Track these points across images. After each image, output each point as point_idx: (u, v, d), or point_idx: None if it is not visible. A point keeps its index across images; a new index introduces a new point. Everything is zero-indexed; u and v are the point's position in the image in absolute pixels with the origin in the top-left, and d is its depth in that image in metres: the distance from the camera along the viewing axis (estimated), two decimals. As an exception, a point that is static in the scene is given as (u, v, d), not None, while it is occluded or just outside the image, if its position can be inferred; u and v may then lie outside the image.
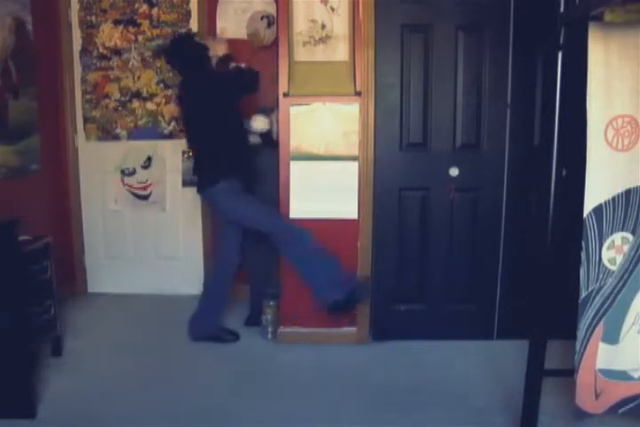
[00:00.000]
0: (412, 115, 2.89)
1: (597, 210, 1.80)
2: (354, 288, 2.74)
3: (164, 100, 3.69)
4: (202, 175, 2.90)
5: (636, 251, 1.83)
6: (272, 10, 3.43)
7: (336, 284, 2.73)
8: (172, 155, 3.71)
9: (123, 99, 3.72)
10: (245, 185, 2.88)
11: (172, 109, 3.66)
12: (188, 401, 2.35)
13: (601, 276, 1.84)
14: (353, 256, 2.93)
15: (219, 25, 3.56)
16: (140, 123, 3.72)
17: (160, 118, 3.70)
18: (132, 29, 3.65)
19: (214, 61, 2.93)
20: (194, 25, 3.61)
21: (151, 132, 3.71)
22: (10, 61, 3.09)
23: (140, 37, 3.65)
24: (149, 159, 3.71)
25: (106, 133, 3.76)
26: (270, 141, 3.00)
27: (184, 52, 2.89)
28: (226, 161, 2.84)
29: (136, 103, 3.71)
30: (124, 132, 3.75)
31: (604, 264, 1.83)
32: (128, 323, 3.30)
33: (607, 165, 1.80)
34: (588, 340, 1.86)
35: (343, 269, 2.78)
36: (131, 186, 3.79)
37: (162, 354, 2.85)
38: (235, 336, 3.02)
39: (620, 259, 1.84)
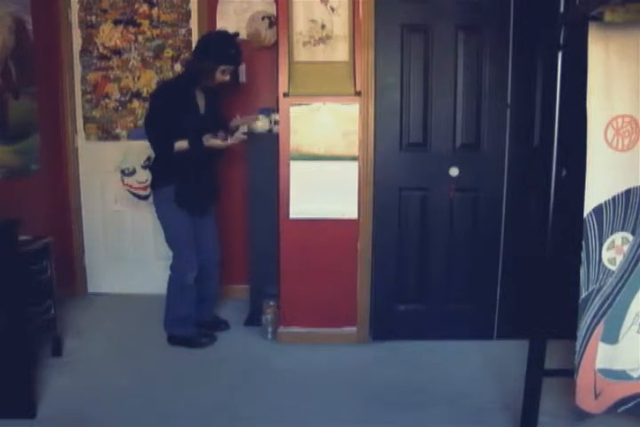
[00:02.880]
0: (411, 115, 2.89)
1: (597, 210, 1.80)
2: (192, 333, 2.97)
3: (164, 100, 3.68)
4: (152, 176, 2.99)
5: (636, 251, 1.83)
6: (272, 10, 3.43)
7: (181, 321, 2.95)
8: (172, 155, 3.70)
9: (123, 99, 3.72)
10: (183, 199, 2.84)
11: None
12: (188, 401, 2.35)
13: (601, 276, 1.84)
14: (353, 256, 2.94)
15: (219, 25, 3.56)
16: (139, 123, 3.71)
17: (160, 118, 3.70)
18: (132, 29, 3.64)
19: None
20: (194, 25, 3.61)
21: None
22: (10, 61, 3.09)
23: (140, 37, 3.65)
24: (149, 159, 3.70)
25: (106, 133, 3.76)
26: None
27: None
28: (170, 169, 2.83)
29: (136, 103, 3.71)
30: (123, 133, 3.75)
31: (603, 264, 1.84)
32: (128, 323, 3.30)
33: (607, 165, 1.80)
34: (588, 340, 1.86)
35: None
36: (131, 186, 3.79)
37: (162, 354, 2.85)
38: (210, 338, 3.00)
39: (619, 259, 1.84)
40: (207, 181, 2.95)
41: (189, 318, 2.96)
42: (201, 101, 2.90)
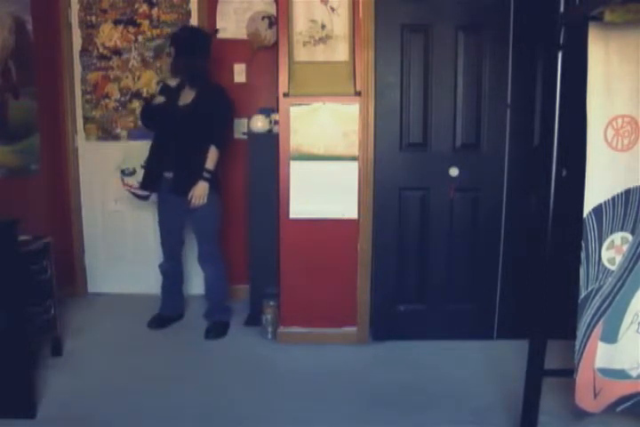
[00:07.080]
0: (411, 115, 2.89)
1: (597, 210, 1.80)
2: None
3: (163, 100, 3.68)
4: None
5: (635, 251, 1.83)
6: (272, 10, 3.43)
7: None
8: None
9: (123, 99, 3.72)
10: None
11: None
12: (188, 401, 2.36)
13: (600, 275, 1.84)
14: (353, 256, 2.94)
15: (219, 25, 3.57)
16: (139, 123, 3.72)
17: (160, 118, 3.69)
18: (132, 29, 3.64)
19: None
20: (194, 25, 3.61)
21: (151, 132, 3.70)
22: (10, 61, 3.09)
23: (140, 37, 3.65)
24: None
25: (106, 133, 3.76)
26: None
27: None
28: None
29: (136, 103, 3.71)
30: (124, 133, 3.76)
31: (603, 264, 1.84)
32: (128, 323, 3.29)
33: (607, 165, 1.80)
34: (588, 339, 1.87)
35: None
36: (131, 186, 3.78)
37: (161, 354, 2.85)
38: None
39: (619, 259, 1.84)
40: (169, 167, 3.04)
41: (162, 300, 3.26)
42: (186, 95, 3.04)
